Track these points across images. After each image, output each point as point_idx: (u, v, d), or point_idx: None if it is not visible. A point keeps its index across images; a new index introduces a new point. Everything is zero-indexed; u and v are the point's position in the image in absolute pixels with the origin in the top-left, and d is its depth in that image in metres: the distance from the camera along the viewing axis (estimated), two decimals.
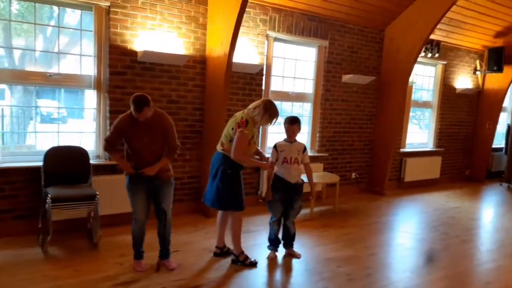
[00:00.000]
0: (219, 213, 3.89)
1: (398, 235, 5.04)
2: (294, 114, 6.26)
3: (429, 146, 8.15)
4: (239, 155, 3.56)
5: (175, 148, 3.56)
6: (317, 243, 4.48)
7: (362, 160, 6.98)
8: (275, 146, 3.95)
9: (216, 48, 4.79)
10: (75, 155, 4.17)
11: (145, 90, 4.48)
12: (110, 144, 3.48)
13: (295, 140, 3.94)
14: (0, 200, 4.01)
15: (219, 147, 3.74)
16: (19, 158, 4.16)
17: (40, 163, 4.04)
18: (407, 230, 5.28)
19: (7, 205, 4.05)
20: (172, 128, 3.52)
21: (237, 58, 5.04)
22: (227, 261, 3.82)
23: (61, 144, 4.39)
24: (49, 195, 3.70)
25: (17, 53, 4.22)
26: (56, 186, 3.90)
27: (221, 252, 3.94)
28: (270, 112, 3.62)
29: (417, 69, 7.43)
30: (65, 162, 4.09)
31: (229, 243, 3.91)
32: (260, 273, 3.67)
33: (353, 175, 6.89)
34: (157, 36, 4.63)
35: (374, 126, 6.99)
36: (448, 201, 6.86)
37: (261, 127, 4.72)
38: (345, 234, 4.80)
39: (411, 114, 7.70)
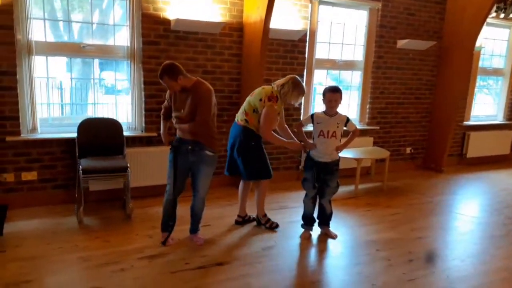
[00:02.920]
0: (241, 183, 3.90)
1: (453, 218, 4.54)
2: (342, 83, 5.86)
3: (499, 119, 7.29)
4: (267, 130, 3.52)
5: (198, 123, 3.16)
6: (358, 223, 4.16)
7: (418, 133, 6.41)
8: (312, 115, 3.62)
9: (252, 13, 4.49)
10: (108, 126, 4.16)
11: (179, 60, 4.29)
12: (165, 110, 3.50)
13: (336, 113, 3.55)
14: (41, 170, 4.13)
15: (241, 118, 3.64)
16: (57, 129, 4.24)
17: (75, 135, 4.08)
18: (464, 212, 4.74)
19: (47, 174, 4.17)
20: (205, 100, 3.14)
21: (277, 24, 4.71)
22: (258, 238, 3.67)
23: (96, 116, 4.41)
24: (80, 166, 3.73)
25: (51, 24, 4.21)
26: (90, 158, 3.94)
27: (243, 220, 3.98)
28: (298, 90, 3.56)
29: (487, 32, 6.57)
30: (98, 134, 4.09)
31: (250, 212, 4.00)
32: (290, 254, 3.46)
33: (408, 150, 6.36)
34: (190, 2, 4.42)
35: (434, 96, 6.34)
36: None
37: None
38: (391, 215, 4.42)
39: (478, 83, 6.89)
